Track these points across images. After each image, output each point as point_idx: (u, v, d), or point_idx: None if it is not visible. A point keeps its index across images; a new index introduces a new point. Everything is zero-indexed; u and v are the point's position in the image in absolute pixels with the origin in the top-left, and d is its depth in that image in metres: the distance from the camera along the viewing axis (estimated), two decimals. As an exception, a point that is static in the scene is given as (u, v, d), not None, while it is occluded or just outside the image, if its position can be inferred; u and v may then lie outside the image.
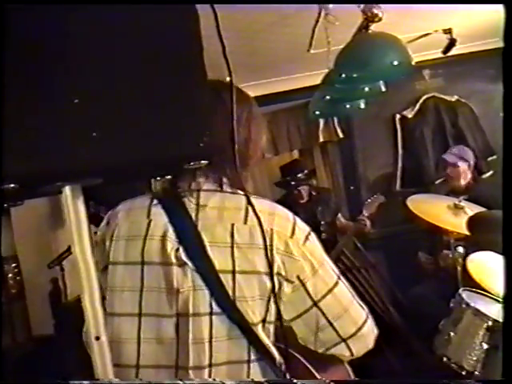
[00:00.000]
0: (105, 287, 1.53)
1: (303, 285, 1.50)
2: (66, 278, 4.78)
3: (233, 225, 1.46)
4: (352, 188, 6.64)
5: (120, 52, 1.01)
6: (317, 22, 4.41)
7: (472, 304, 2.88)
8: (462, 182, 4.89)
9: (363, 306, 1.63)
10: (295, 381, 1.49)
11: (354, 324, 1.57)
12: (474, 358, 2.74)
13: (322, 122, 6.48)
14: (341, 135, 6.53)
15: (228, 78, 1.33)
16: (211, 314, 1.44)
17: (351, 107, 4.68)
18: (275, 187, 6.02)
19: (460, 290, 3.10)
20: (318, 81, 4.55)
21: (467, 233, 2.92)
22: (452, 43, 5.26)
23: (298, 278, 1.49)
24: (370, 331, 1.61)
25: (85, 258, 1.05)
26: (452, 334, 2.88)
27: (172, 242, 1.47)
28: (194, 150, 1.08)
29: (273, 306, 1.47)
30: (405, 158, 6.55)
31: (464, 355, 2.79)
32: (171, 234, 1.48)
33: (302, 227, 1.56)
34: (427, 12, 4.76)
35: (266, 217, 1.48)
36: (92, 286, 1.07)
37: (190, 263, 1.45)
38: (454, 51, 5.37)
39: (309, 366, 1.66)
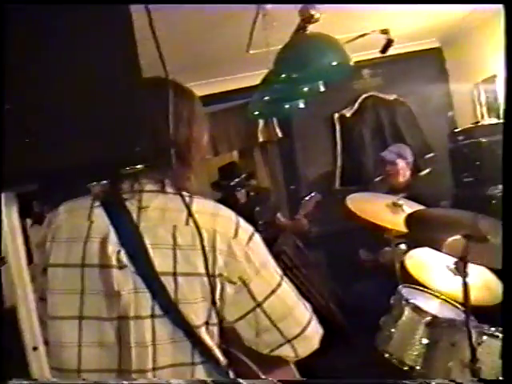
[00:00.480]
0: (45, 289, 1.50)
1: (246, 286, 1.49)
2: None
3: (175, 226, 1.44)
4: (292, 187, 6.68)
5: (55, 56, 0.98)
6: (254, 22, 4.42)
7: (411, 300, 2.93)
8: (401, 179, 4.95)
9: (307, 306, 1.64)
10: (241, 380, 1.48)
11: (298, 325, 1.57)
12: (415, 353, 2.78)
13: (261, 122, 6.51)
14: (280, 135, 6.57)
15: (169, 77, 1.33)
16: (153, 316, 1.42)
17: (290, 107, 4.70)
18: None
19: (400, 287, 3.14)
20: (257, 81, 4.56)
21: (405, 230, 2.95)
22: (389, 43, 5.34)
23: (241, 279, 1.48)
24: (315, 332, 1.62)
25: (19, 269, 1.02)
26: (393, 330, 2.92)
27: (113, 245, 1.44)
28: (130, 154, 1.06)
29: (215, 308, 1.46)
30: (344, 156, 6.62)
31: (405, 351, 2.83)
32: (112, 236, 1.45)
33: (246, 228, 1.56)
34: (364, 13, 4.83)
35: (209, 217, 1.48)
36: (27, 297, 1.05)
37: (131, 265, 1.42)
38: (392, 51, 5.45)
39: (254, 367, 1.65)
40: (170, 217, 1.46)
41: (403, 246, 4.08)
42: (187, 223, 1.45)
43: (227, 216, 1.54)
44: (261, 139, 6.57)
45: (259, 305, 1.51)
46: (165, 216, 1.46)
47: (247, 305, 1.51)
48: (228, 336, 1.51)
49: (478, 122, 5.65)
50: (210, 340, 1.48)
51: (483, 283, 2.99)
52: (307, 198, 5.37)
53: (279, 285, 1.55)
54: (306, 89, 4.04)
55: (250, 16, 4.33)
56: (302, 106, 4.63)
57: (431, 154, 6.49)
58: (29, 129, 0.93)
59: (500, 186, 4.99)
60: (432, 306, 2.99)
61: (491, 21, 5.27)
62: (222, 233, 1.47)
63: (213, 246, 1.45)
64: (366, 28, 5.12)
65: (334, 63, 3.27)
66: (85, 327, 1.44)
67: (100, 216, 1.48)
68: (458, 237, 2.49)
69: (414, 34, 5.94)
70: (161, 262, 1.42)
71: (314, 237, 5.69)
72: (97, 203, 1.50)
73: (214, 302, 1.45)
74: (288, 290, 1.58)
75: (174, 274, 1.41)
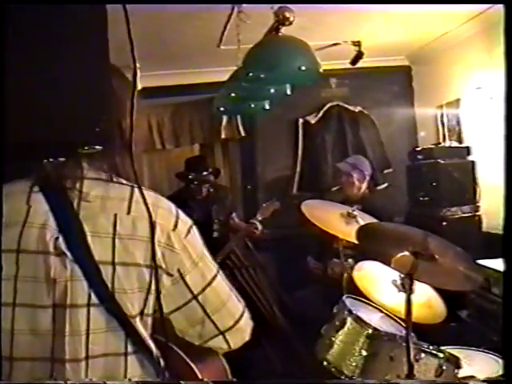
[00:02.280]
0: None
1: (183, 278, 1.50)
2: None
3: (115, 215, 1.43)
4: (249, 187, 6.69)
5: (19, 31, 0.97)
6: (229, 18, 4.41)
7: (354, 311, 2.95)
8: (355, 191, 4.99)
9: (240, 299, 1.65)
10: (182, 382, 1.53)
11: (231, 317, 1.59)
12: (354, 364, 2.80)
13: (225, 118, 6.49)
14: (243, 134, 6.56)
15: (132, 66, 1.31)
16: (89, 305, 1.39)
17: (256, 107, 4.71)
18: (172, 179, 5.95)
19: (344, 297, 3.17)
20: (225, 77, 4.56)
21: (356, 241, 2.98)
22: (359, 55, 5.42)
23: (178, 270, 1.49)
24: (247, 324, 1.64)
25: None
26: (333, 339, 2.94)
27: (51, 231, 1.40)
28: (90, 134, 1.05)
29: (151, 299, 1.46)
30: (304, 162, 6.67)
31: (344, 360, 2.84)
32: (51, 222, 1.41)
33: (185, 220, 1.56)
34: (339, 22, 4.86)
35: (150, 208, 1.46)
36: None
37: (68, 253, 1.39)
38: (361, 63, 5.52)
39: (185, 357, 1.67)
40: (111, 205, 1.44)
41: (351, 261, 4.13)
42: (129, 212, 1.44)
43: (167, 208, 1.54)
44: (223, 136, 6.55)
45: (195, 297, 1.52)
46: (106, 204, 1.44)
47: (183, 297, 1.52)
48: (161, 326, 1.51)
49: (439, 143, 5.74)
50: (144, 330, 1.47)
51: (426, 301, 3.04)
52: (266, 204, 5.39)
53: (215, 277, 1.57)
54: (272, 90, 4.06)
55: (225, 11, 4.32)
56: (267, 107, 4.65)
57: (390, 170, 6.59)
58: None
59: (453, 209, 5.09)
60: (374, 318, 3.02)
61: (464, 44, 5.35)
62: (162, 224, 1.47)
63: (152, 237, 1.44)
64: (339, 38, 5.16)
65: (303, 68, 3.29)
66: (18, 314, 1.39)
67: (39, 201, 1.44)
68: (406, 253, 2.52)
69: (385, 49, 6.01)
70: (100, 250, 1.40)
71: (265, 239, 5.69)
72: (36, 188, 1.46)
73: (150, 293, 1.45)
74: (222, 282, 1.60)
75: (113, 264, 1.40)
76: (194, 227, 1.58)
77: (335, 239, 3.88)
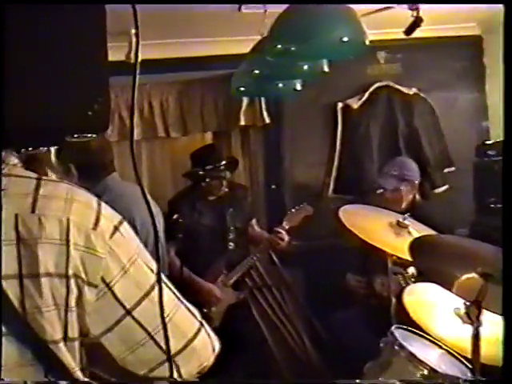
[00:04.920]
0: None
1: (110, 289, 1.45)
2: None
3: (17, 215, 1.38)
4: (274, 187, 6.66)
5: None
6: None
7: (406, 346, 2.93)
8: (404, 205, 4.94)
9: (195, 311, 1.62)
10: None
11: (181, 336, 1.55)
12: (404, 413, 2.79)
13: (245, 101, 6.47)
14: (267, 120, 6.54)
15: (133, 31, 1.29)
16: None
17: (284, 87, 4.70)
18: (178, 175, 5.94)
19: (393, 328, 3.14)
20: (247, 49, 4.53)
21: (409, 258, 2.95)
22: (417, 23, 5.35)
23: (103, 280, 1.44)
24: (206, 344, 1.61)
25: None
26: (380, 380, 2.93)
27: None
28: (80, 119, 1.05)
29: (74, 318, 1.41)
30: (343, 157, 6.63)
31: (392, 407, 2.84)
32: None
33: (110, 216, 1.51)
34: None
35: (61, 204, 1.42)
36: None
37: None
38: (418, 33, 5.46)
39: None
40: (10, 204, 1.39)
41: (412, 271, 4.09)
42: (33, 210, 1.39)
43: (85, 201, 1.48)
44: (243, 122, 6.53)
45: (129, 312, 1.48)
46: (6, 203, 1.38)
47: (114, 313, 1.47)
48: (93, 354, 1.48)
49: (515, 136, 5.67)
50: (72, 360, 1.42)
51: (498, 337, 3.00)
52: (295, 209, 5.36)
53: (153, 286, 1.51)
54: (306, 67, 4.04)
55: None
56: (298, 87, 4.63)
57: (452, 168, 6.51)
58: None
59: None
60: (431, 356, 3.00)
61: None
62: (78, 222, 1.42)
63: (66, 239, 1.39)
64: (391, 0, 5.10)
65: (345, 39, 3.27)
66: None
67: None
68: (473, 275, 2.49)
69: (450, 14, 5.92)
70: (2, 262, 1.34)
71: (293, 252, 5.67)
72: None
73: (69, 311, 1.39)
74: (167, 291, 1.55)
75: (20, 277, 1.35)
76: (125, 223, 1.54)
77: (382, 254, 3.85)
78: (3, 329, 1.31)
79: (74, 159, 3.73)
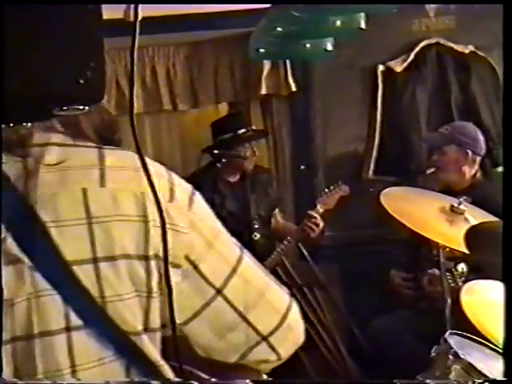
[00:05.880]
0: None
1: (196, 267, 1.49)
2: None
3: (85, 190, 1.39)
4: (302, 168, 6.65)
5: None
6: None
7: (463, 356, 2.92)
8: (455, 177, 4.90)
9: (281, 284, 1.66)
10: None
11: (275, 312, 1.60)
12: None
13: (267, 65, 6.45)
14: (293, 88, 6.52)
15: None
16: (68, 329, 1.37)
17: (313, 48, 4.69)
18: (188, 154, 5.96)
19: (447, 334, 3.14)
20: (266, 3, 4.52)
21: (465, 250, 2.94)
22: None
23: (188, 258, 1.48)
24: (298, 319, 1.65)
25: None
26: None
27: None
28: (70, 88, 1.06)
29: (155, 306, 1.45)
30: (385, 130, 6.61)
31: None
32: None
33: (183, 186, 1.55)
34: None
35: (132, 175, 1.45)
36: None
37: (25, 258, 1.36)
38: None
39: None
40: (74, 178, 1.41)
41: (462, 268, 4.07)
42: (103, 184, 1.41)
43: (156, 172, 1.49)
44: (264, 91, 6.51)
45: (219, 291, 1.51)
46: (67, 178, 1.41)
47: (202, 295, 1.51)
48: (176, 346, 1.46)
49: None
50: (157, 353, 1.47)
51: None
52: (329, 190, 5.36)
53: (240, 259, 1.57)
54: (338, 22, 4.02)
55: None
56: (330, 48, 4.63)
57: (516, 142, 6.47)
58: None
59: None
60: (493, 367, 2.99)
61: None
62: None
63: (144, 216, 1.42)
64: None
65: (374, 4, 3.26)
66: None
67: None
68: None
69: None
70: (71, 246, 1.37)
71: (328, 246, 5.68)
72: None
73: (151, 297, 1.43)
74: (252, 264, 1.60)
75: (95, 261, 1.37)
76: (197, 193, 1.57)
77: (433, 246, 3.84)
78: (79, 322, 1.36)
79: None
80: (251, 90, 6.56)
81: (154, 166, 1.48)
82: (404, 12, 5.05)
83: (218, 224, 1.58)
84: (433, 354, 3.08)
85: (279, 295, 1.62)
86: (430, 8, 6.52)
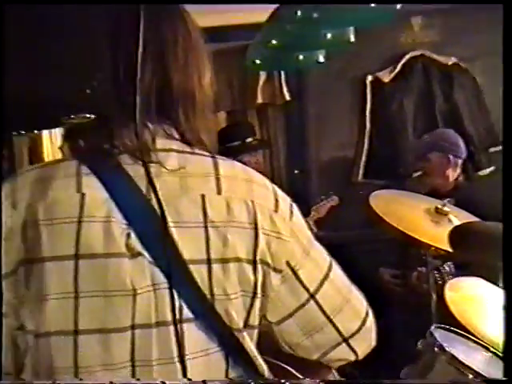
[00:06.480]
0: (17, 299, 1.43)
1: (295, 273, 1.56)
2: None
3: (203, 196, 1.46)
4: (297, 172, 6.67)
5: None
6: None
7: (448, 348, 2.91)
8: (440, 181, 4.91)
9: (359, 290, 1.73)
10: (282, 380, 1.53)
11: (356, 317, 1.67)
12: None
13: (263, 75, 6.49)
14: (288, 97, 6.55)
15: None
16: (181, 321, 1.42)
17: (306, 59, 4.70)
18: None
19: (433, 328, 3.13)
20: (263, 17, 4.52)
21: (449, 249, 2.94)
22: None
23: (288, 264, 1.54)
24: (373, 324, 1.72)
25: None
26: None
27: (119, 226, 1.41)
28: (77, 97, 1.06)
29: (257, 305, 1.52)
30: (373, 137, 6.67)
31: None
32: (116, 213, 1.42)
33: (284, 197, 1.62)
34: None
35: (243, 185, 1.52)
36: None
37: (146, 253, 1.41)
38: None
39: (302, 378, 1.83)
40: (194, 184, 1.47)
41: (449, 266, 4.07)
42: (219, 192, 1.47)
43: (262, 183, 1.59)
44: (260, 100, 6.55)
45: (312, 296, 1.58)
46: (187, 184, 1.47)
47: (297, 298, 1.58)
48: (273, 342, 1.62)
49: None
50: (253, 347, 1.53)
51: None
52: (322, 204, 5.44)
53: (331, 267, 1.65)
54: (329, 35, 4.03)
55: None
56: (321, 59, 4.64)
57: (497, 148, 6.47)
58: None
59: None
60: (476, 359, 2.98)
61: None
62: (261, 205, 1.52)
63: (254, 223, 1.49)
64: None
65: (373, 4, 3.26)
66: (84, 345, 1.40)
67: (93, 187, 1.43)
68: (523, 266, 2.47)
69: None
70: (188, 246, 1.43)
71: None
72: (85, 169, 1.45)
73: (256, 297, 1.50)
74: (340, 272, 1.69)
75: (208, 262, 1.44)
76: (294, 204, 1.64)
77: (419, 245, 3.84)
78: (190, 315, 1.44)
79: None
80: (248, 99, 6.59)
81: (259, 178, 1.59)
82: (391, 26, 5.06)
83: (310, 233, 1.64)
84: (419, 347, 3.08)
85: (360, 301, 1.71)
86: (416, 22, 6.56)
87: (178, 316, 1.41)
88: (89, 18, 1.13)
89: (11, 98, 1.05)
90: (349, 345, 1.63)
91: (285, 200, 1.60)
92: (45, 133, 5.48)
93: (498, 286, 2.57)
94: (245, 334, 1.49)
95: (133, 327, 1.40)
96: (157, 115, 1.48)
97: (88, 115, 1.17)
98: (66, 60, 1.09)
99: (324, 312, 1.59)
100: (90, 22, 1.13)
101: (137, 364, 1.41)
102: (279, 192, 1.60)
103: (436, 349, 2.93)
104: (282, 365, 1.77)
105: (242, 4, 4.01)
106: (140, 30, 1.34)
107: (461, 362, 2.82)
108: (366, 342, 1.69)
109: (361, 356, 1.68)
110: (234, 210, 1.46)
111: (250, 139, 5.54)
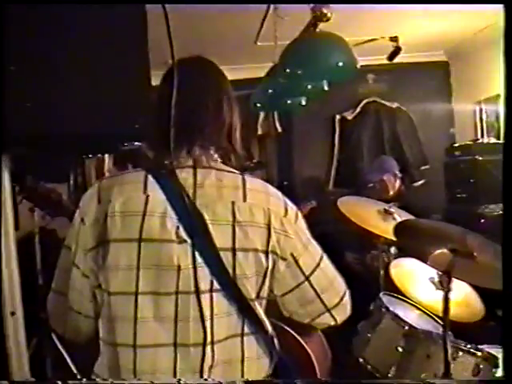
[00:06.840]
0: (96, 267, 1.51)
1: (296, 261, 1.60)
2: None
3: (233, 203, 1.51)
4: (286, 183, 6.67)
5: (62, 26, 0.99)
6: (266, 15, 4.41)
7: (391, 309, 2.92)
8: (391, 192, 4.93)
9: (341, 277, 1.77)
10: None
11: (337, 294, 1.71)
12: (390, 361, 2.78)
13: (262, 115, 6.50)
14: (279, 130, 6.57)
15: (170, 61, 1.34)
16: (211, 291, 1.47)
17: (292, 103, 4.70)
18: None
19: (381, 294, 3.13)
20: (262, 73, 4.55)
21: (394, 238, 2.94)
22: (397, 51, 5.36)
23: (292, 255, 1.59)
24: (348, 300, 1.75)
25: (7, 231, 1.02)
26: (370, 336, 2.92)
27: (172, 220, 1.48)
28: (128, 130, 1.07)
29: (267, 283, 1.56)
30: (340, 158, 6.69)
31: (380, 358, 2.82)
32: (170, 211, 1.49)
33: (292, 206, 1.66)
34: (376, 18, 4.81)
35: (262, 196, 1.57)
36: (10, 260, 1.04)
37: (190, 241, 1.47)
38: (399, 59, 5.46)
39: (296, 336, 1.93)
40: (227, 194, 1.52)
41: (393, 250, 4.07)
42: (245, 200, 1.52)
43: (276, 194, 1.64)
44: (260, 132, 6.58)
45: (307, 278, 1.63)
46: (222, 192, 1.52)
47: (296, 279, 1.62)
48: (277, 308, 1.67)
49: (477, 140, 5.65)
50: (262, 312, 1.57)
51: (464, 300, 2.99)
52: (305, 205, 5.46)
53: (322, 258, 1.68)
54: (309, 86, 4.04)
55: (261, 8, 4.32)
56: (303, 103, 4.64)
57: (427, 166, 6.52)
58: (30, 92, 0.93)
59: (491, 206, 5.00)
60: (411, 316, 2.98)
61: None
62: (274, 211, 1.57)
63: (268, 224, 1.53)
64: (376, 33, 5.11)
65: (341, 64, 3.28)
66: (141, 302, 1.46)
67: (155, 191, 1.51)
68: (444, 250, 2.48)
69: (423, 44, 5.94)
70: (220, 237, 1.47)
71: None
72: (150, 177, 1.53)
73: (266, 277, 1.55)
74: (329, 263, 1.72)
75: (233, 250, 1.48)
76: (299, 212, 1.68)
77: (373, 236, 3.84)
78: (218, 287, 1.48)
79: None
80: (251, 131, 6.58)
81: (274, 191, 1.65)
82: (352, 80, 5.06)
83: (309, 234, 1.68)
84: (371, 308, 3.08)
85: (341, 284, 1.75)
86: (370, 77, 6.62)
87: (209, 287, 1.46)
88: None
89: (82, 131, 1.06)
90: (331, 314, 1.68)
91: (292, 208, 1.64)
92: (106, 156, 5.48)
93: (426, 263, 2.57)
94: (256, 302, 1.54)
95: (177, 293, 1.46)
96: (203, 142, 1.56)
97: (136, 143, 1.19)
98: (117, 99, 1.10)
99: (315, 290, 1.64)
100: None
101: (179, 319, 1.45)
102: (288, 202, 1.65)
103: (383, 309, 2.94)
104: (283, 325, 1.82)
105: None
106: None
107: (400, 318, 2.84)
108: (343, 313, 1.73)
109: (339, 322, 1.73)
110: (255, 213, 1.52)
111: (247, 163, 5.43)
